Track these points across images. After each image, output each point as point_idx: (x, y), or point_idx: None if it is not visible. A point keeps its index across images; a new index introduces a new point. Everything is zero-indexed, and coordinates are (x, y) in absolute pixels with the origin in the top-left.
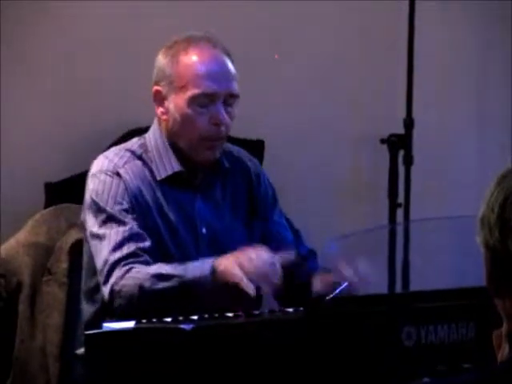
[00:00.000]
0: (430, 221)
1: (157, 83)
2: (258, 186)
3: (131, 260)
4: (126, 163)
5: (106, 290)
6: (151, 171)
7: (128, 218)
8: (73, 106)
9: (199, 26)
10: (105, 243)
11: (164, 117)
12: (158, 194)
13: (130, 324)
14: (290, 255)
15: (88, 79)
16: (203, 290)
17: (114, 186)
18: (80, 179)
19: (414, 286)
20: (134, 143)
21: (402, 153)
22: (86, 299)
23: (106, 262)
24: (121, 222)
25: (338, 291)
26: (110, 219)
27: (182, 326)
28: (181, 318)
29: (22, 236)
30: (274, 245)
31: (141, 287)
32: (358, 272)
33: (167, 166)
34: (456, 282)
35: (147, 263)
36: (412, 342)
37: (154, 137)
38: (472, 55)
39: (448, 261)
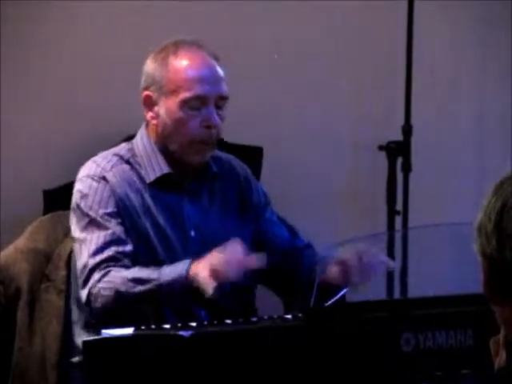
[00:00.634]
0: (429, 228)
1: (146, 88)
2: (248, 190)
3: (110, 264)
4: (113, 167)
5: (84, 294)
6: (139, 175)
7: (111, 223)
8: (71, 113)
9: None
10: (85, 247)
11: (154, 121)
12: (146, 197)
13: (129, 331)
14: (261, 259)
15: (87, 87)
16: (177, 292)
17: (99, 191)
18: None
19: (413, 292)
20: (121, 148)
21: (400, 160)
22: (76, 305)
23: (85, 265)
24: (102, 227)
25: (337, 297)
26: (91, 224)
27: (181, 333)
28: (179, 325)
29: (20, 243)
30: (269, 243)
31: (117, 291)
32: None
33: (156, 168)
34: (454, 289)
35: (127, 267)
36: (410, 348)
37: (141, 141)
38: (471, 62)
39: (446, 268)
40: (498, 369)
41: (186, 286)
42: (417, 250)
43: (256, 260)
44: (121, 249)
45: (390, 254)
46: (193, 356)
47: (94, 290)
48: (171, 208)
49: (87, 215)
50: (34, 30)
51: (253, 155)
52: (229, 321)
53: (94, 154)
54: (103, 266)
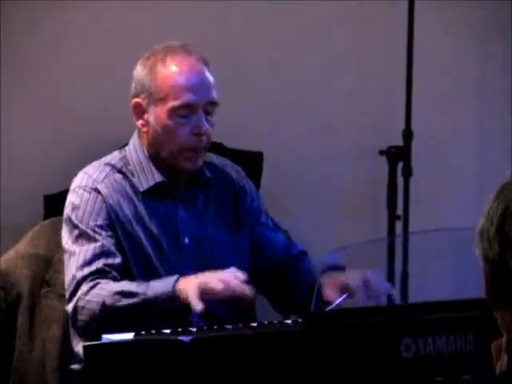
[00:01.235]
0: (429, 233)
1: (136, 95)
2: (242, 194)
3: (98, 276)
4: (105, 178)
5: (70, 306)
6: (132, 184)
7: (101, 235)
8: (72, 118)
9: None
10: (74, 259)
11: (144, 129)
12: (139, 206)
13: (129, 336)
14: (250, 291)
15: (88, 92)
16: (164, 307)
17: (91, 202)
18: None
19: (413, 297)
20: (114, 157)
21: (400, 164)
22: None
23: (73, 277)
24: (92, 239)
25: (337, 303)
26: (81, 236)
27: (181, 338)
28: (179, 330)
29: (21, 248)
30: (263, 248)
31: (103, 304)
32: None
33: (149, 177)
34: (455, 294)
35: (115, 280)
36: (411, 354)
37: (134, 149)
38: (472, 67)
39: (447, 273)
40: (499, 373)
41: (173, 301)
42: (417, 255)
43: (246, 290)
44: (110, 261)
45: (391, 259)
46: (193, 361)
47: (81, 303)
48: (165, 216)
49: (77, 227)
50: (33, 36)
51: (253, 160)
52: (229, 326)
53: (96, 159)
54: (91, 278)
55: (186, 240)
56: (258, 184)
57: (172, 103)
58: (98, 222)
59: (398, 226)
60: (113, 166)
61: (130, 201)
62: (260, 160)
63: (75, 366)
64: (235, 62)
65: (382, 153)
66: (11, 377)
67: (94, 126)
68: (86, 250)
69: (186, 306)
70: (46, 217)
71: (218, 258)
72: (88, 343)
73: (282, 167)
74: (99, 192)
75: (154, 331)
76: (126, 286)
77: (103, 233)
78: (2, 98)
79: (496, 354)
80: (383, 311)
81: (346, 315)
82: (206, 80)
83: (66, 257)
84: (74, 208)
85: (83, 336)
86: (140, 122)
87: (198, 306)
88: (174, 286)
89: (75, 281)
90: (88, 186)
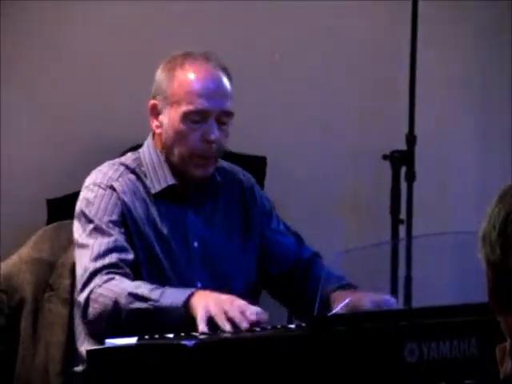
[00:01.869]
0: (432, 237)
1: (154, 97)
2: (252, 199)
3: (112, 270)
4: (120, 176)
5: (82, 296)
6: (145, 185)
7: (114, 230)
8: (74, 122)
9: (198, 45)
10: (87, 252)
11: (158, 130)
12: (151, 208)
13: (133, 340)
14: (263, 316)
15: (89, 96)
16: (173, 317)
17: (106, 198)
18: None
19: (417, 302)
20: (128, 158)
21: (404, 169)
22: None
23: (86, 269)
24: (106, 234)
25: (340, 307)
26: (95, 230)
27: (184, 342)
28: (183, 334)
29: (24, 252)
30: (275, 253)
31: (116, 302)
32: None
33: (161, 179)
34: (458, 298)
35: (127, 276)
36: (414, 359)
37: (148, 151)
38: (475, 72)
39: (450, 277)
40: (504, 377)
41: (183, 314)
42: (421, 259)
43: (257, 316)
44: (123, 256)
45: (394, 263)
46: (196, 365)
47: (93, 295)
48: (175, 219)
49: (92, 221)
50: (39, 31)
51: (257, 165)
52: (232, 330)
53: (98, 164)
54: (105, 271)
55: (196, 244)
56: (261, 188)
57: (186, 107)
58: (112, 218)
59: (402, 230)
60: (127, 167)
61: (142, 201)
62: (263, 164)
63: (79, 368)
64: (237, 65)
65: (385, 157)
66: (14, 381)
67: (98, 129)
68: (100, 243)
69: (192, 320)
70: (49, 221)
71: (226, 262)
72: (91, 348)
73: (285, 171)
74: (114, 189)
75: (157, 336)
76: (140, 288)
77: (117, 229)
78: (2, 100)
79: (500, 357)
80: (387, 316)
81: (350, 320)
82: (223, 89)
83: (77, 250)
84: (89, 203)
85: (90, 330)
86: (155, 124)
87: (202, 329)
88: (187, 299)
89: (88, 272)
90: (103, 182)
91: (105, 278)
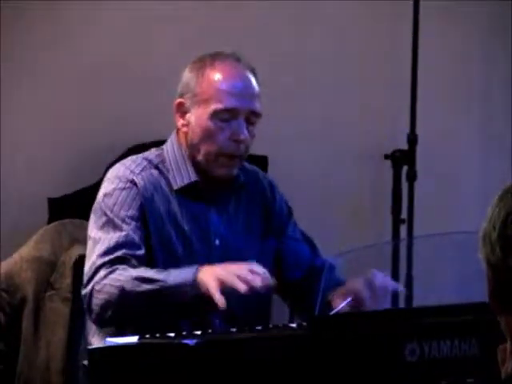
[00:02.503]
0: (434, 237)
1: (181, 96)
2: (272, 201)
3: (118, 264)
4: (142, 171)
5: (86, 290)
6: (167, 181)
7: (128, 225)
8: (76, 121)
9: (197, 44)
10: (97, 247)
11: (184, 129)
12: (172, 203)
13: (134, 339)
14: (270, 281)
15: (93, 96)
16: (183, 296)
17: (125, 192)
18: (83, 194)
19: (417, 301)
20: (151, 153)
21: (405, 168)
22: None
23: (93, 263)
24: (118, 228)
25: (341, 306)
26: (108, 224)
27: (186, 341)
28: (184, 333)
29: (25, 251)
30: (289, 260)
31: (122, 288)
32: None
33: (184, 175)
34: (459, 298)
35: (134, 267)
36: (415, 358)
37: (171, 148)
38: (476, 72)
39: (451, 276)
40: (505, 377)
41: (193, 291)
42: (422, 259)
43: (265, 281)
44: (131, 252)
45: (395, 262)
46: (197, 364)
47: (98, 287)
48: (197, 216)
49: (105, 215)
50: (38, 32)
51: (258, 164)
52: (234, 329)
53: (98, 164)
54: (110, 265)
55: (217, 242)
56: None
57: (215, 106)
58: (129, 213)
59: (403, 229)
60: (150, 161)
61: (164, 197)
62: (264, 164)
63: (86, 362)
64: None
65: (386, 157)
66: (16, 379)
67: (99, 128)
68: (111, 238)
69: (206, 298)
70: (50, 220)
71: (245, 262)
72: (92, 347)
73: (286, 171)
74: (135, 184)
75: (158, 334)
76: (145, 272)
77: (132, 223)
78: (3, 100)
79: (502, 358)
80: (388, 315)
81: (351, 319)
82: (252, 89)
83: (89, 244)
84: (106, 195)
85: (97, 322)
86: (181, 122)
87: (220, 301)
88: (195, 275)
89: (94, 266)
90: (125, 176)
91: (109, 269)
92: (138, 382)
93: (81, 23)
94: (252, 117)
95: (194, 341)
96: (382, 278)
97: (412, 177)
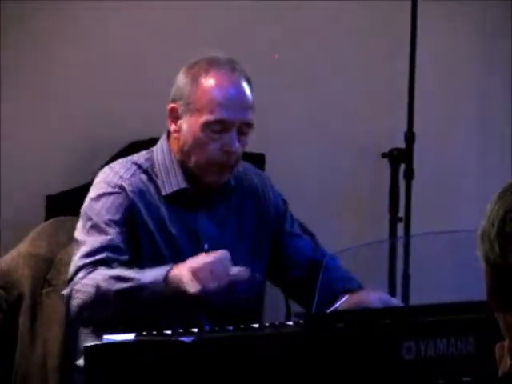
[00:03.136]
0: (431, 235)
1: (174, 101)
2: (266, 200)
3: (99, 266)
4: (132, 176)
5: (67, 290)
6: (156, 186)
7: (113, 230)
8: (73, 119)
9: (196, 44)
10: (81, 249)
11: (175, 134)
12: (161, 209)
13: (130, 336)
14: (244, 272)
15: (89, 93)
16: (158, 294)
17: (112, 197)
18: (81, 191)
19: (414, 300)
20: (140, 156)
21: (402, 167)
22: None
23: (75, 265)
24: (103, 232)
25: (337, 304)
26: (93, 228)
27: (182, 339)
28: (181, 331)
29: (22, 248)
30: (290, 257)
31: (98, 288)
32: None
33: (173, 182)
34: (456, 296)
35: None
36: (412, 356)
37: (161, 152)
38: (474, 69)
39: (448, 275)
40: (502, 374)
41: (167, 289)
42: (419, 257)
43: (240, 272)
44: (114, 256)
45: (392, 261)
46: (194, 362)
47: (77, 287)
48: (186, 221)
49: (91, 219)
50: (37, 32)
51: (255, 162)
52: (230, 327)
53: (96, 161)
54: (90, 266)
55: (206, 246)
56: None
57: (207, 117)
58: (115, 218)
59: (400, 228)
60: (139, 166)
61: (152, 203)
62: (262, 162)
63: (80, 362)
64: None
65: (384, 155)
66: (13, 377)
67: (96, 126)
68: (95, 240)
69: (182, 294)
70: (47, 217)
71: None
72: (89, 344)
73: (283, 170)
74: (124, 189)
75: (155, 332)
76: (121, 271)
77: (116, 228)
78: (2, 97)
79: (499, 356)
80: (385, 313)
81: (348, 317)
82: (245, 100)
83: (74, 246)
84: (93, 200)
85: (76, 322)
86: (173, 127)
87: (193, 288)
88: (167, 272)
89: (75, 268)
90: (113, 181)
91: (89, 270)
92: (135, 379)
93: (80, 21)
94: (244, 128)
95: (191, 338)
96: (390, 301)
97: (409, 175)
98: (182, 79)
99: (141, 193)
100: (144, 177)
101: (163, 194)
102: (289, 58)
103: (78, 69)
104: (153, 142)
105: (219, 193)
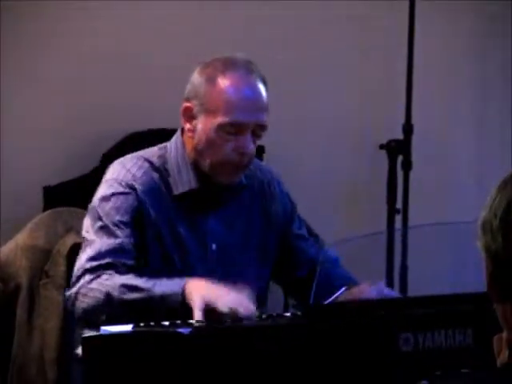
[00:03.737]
0: (429, 226)
1: (188, 100)
2: (272, 200)
3: (105, 269)
4: (143, 175)
5: (71, 291)
6: (167, 185)
7: (122, 232)
8: (72, 110)
9: (196, 43)
10: (89, 250)
11: (190, 134)
12: (170, 208)
13: (128, 328)
14: (252, 312)
15: (88, 85)
16: (169, 307)
17: (122, 198)
18: (78, 183)
19: (412, 291)
20: (154, 153)
21: (400, 158)
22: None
23: (82, 266)
24: (112, 235)
25: (335, 296)
26: (102, 229)
27: (180, 330)
28: (179, 322)
29: (20, 239)
30: (296, 259)
31: (108, 294)
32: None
33: (185, 181)
34: (454, 288)
35: (121, 274)
36: (410, 348)
37: (175, 150)
38: (472, 61)
39: (446, 266)
40: (500, 365)
41: (179, 303)
42: (416, 249)
43: (248, 311)
44: (122, 260)
45: (390, 252)
46: (192, 354)
47: (83, 290)
48: (194, 220)
49: (101, 219)
50: (35, 27)
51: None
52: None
53: (94, 152)
54: (97, 270)
55: (214, 246)
56: None
57: (221, 118)
58: (124, 219)
59: (398, 219)
60: (151, 164)
61: (162, 202)
62: (261, 153)
63: (79, 351)
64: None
65: (382, 147)
66: (10, 368)
67: (95, 117)
68: (103, 243)
69: (187, 306)
70: (45, 208)
71: (242, 266)
72: (86, 334)
73: (282, 161)
74: (135, 189)
75: (152, 323)
76: (131, 279)
77: (125, 230)
78: (1, 89)
79: (498, 348)
80: (382, 305)
81: (346, 309)
82: (261, 102)
83: (82, 244)
84: (103, 199)
85: (81, 323)
86: (187, 127)
87: (198, 317)
88: (182, 288)
89: (81, 269)
90: (124, 180)
91: (94, 274)
92: (132, 370)
93: (78, 19)
94: (258, 129)
95: (189, 330)
96: (389, 293)
97: (407, 167)
98: (197, 78)
99: (151, 192)
100: (156, 175)
101: (174, 193)
102: (289, 52)
103: (77, 61)
104: (151, 133)
105: (230, 192)
